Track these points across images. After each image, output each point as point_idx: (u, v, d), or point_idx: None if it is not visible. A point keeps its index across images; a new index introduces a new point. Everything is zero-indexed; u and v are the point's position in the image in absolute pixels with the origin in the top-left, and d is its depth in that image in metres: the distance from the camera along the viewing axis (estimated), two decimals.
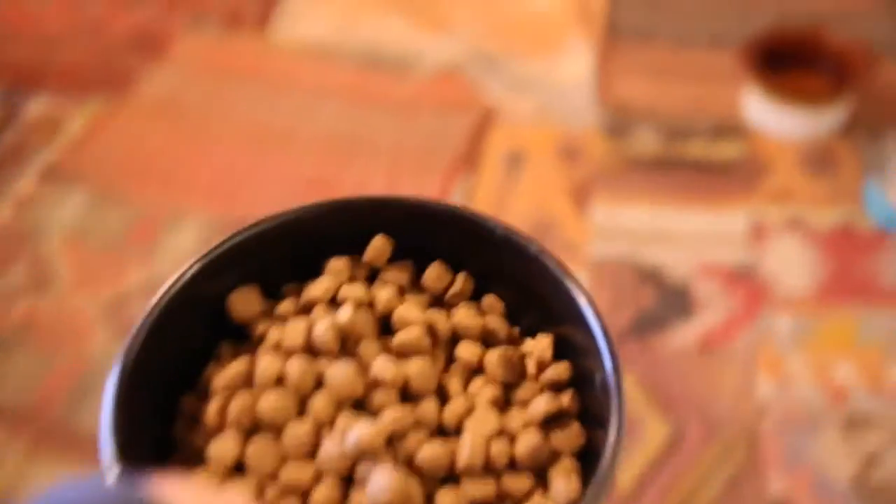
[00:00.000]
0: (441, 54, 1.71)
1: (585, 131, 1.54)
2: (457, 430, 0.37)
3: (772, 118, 1.49)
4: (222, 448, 0.34)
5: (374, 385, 0.35)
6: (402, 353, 0.37)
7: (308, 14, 1.81)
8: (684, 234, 1.36)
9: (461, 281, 0.42)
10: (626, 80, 1.64)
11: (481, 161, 1.51)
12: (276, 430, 0.34)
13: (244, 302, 0.38)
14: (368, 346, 0.37)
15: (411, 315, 0.39)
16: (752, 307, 1.25)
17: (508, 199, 1.45)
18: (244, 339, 0.40)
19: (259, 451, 0.33)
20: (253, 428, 0.35)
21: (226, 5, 1.84)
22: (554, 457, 0.36)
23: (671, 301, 1.26)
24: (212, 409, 0.35)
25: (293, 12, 1.82)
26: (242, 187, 1.44)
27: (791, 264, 1.32)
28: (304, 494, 0.33)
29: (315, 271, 0.41)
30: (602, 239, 1.36)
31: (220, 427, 0.35)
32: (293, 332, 0.36)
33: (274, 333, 0.38)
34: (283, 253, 0.40)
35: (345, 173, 1.47)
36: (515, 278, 0.41)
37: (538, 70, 1.67)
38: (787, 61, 1.55)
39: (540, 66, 1.68)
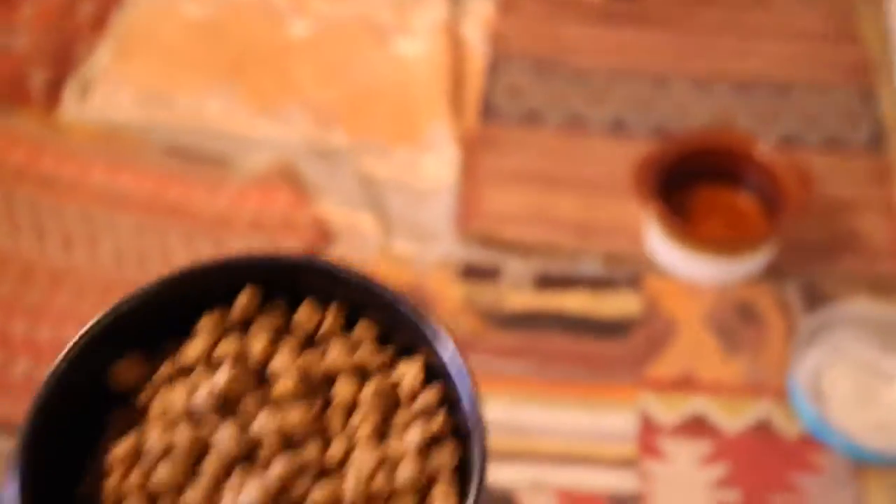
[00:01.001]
0: (268, 146, 1.33)
1: (438, 273, 1.19)
2: (341, 468, 0.39)
3: (677, 259, 1.15)
4: None
5: (258, 441, 0.38)
6: (281, 404, 0.40)
7: (109, 85, 1.42)
8: (549, 443, 1.03)
9: (331, 316, 0.44)
10: (498, 189, 1.28)
11: None
12: (173, 498, 0.37)
13: (125, 373, 0.41)
14: (248, 403, 0.40)
15: (284, 366, 0.41)
16: None
17: None
18: (131, 406, 0.41)
19: None
20: (152, 500, 0.37)
21: (4, 73, 1.44)
22: (433, 479, 0.39)
23: None
24: (109, 487, 0.37)
25: (91, 81, 1.42)
26: None
27: (687, 494, 0.99)
28: None
29: (193, 327, 0.42)
30: None
31: (120, 499, 0.37)
32: (175, 400, 0.39)
33: (157, 402, 0.40)
34: (161, 317, 0.42)
35: None
36: (380, 310, 0.43)
37: (389, 169, 1.31)
38: (700, 175, 1.20)
39: (391, 163, 1.31)
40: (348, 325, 0.44)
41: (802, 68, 1.40)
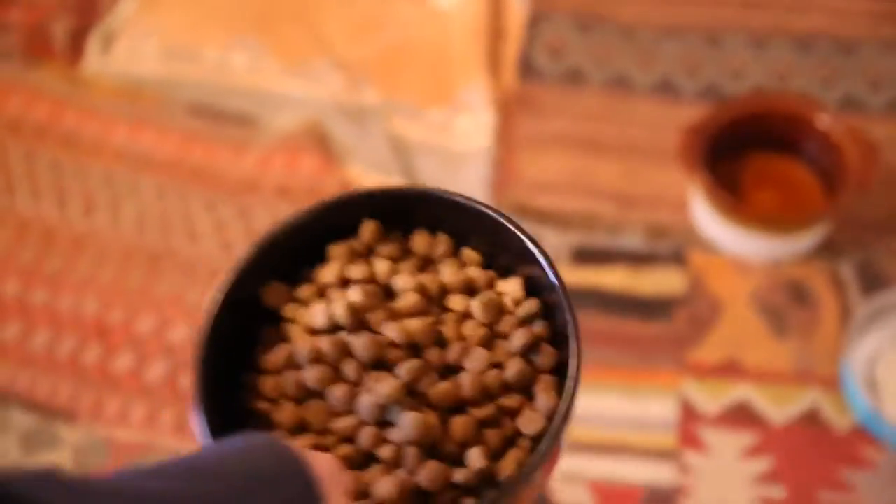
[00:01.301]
0: (296, 105, 1.27)
1: None
2: (458, 369, 0.45)
3: (724, 234, 1.08)
4: (284, 415, 0.44)
5: (387, 346, 0.45)
6: (405, 316, 0.46)
7: (133, 37, 1.36)
8: (585, 431, 0.97)
9: (442, 241, 0.50)
10: (535, 153, 1.21)
11: None
12: (320, 395, 0.45)
13: (273, 294, 0.49)
14: (377, 315, 0.46)
15: (406, 283, 0.47)
16: None
17: None
18: (279, 320, 0.49)
19: (313, 413, 0.44)
20: (303, 397, 0.45)
21: (27, 24, 1.39)
22: (535, 376, 0.45)
23: None
24: (268, 386, 0.46)
25: (115, 33, 1.37)
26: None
27: (729, 489, 0.94)
28: (352, 440, 0.44)
29: (324, 256, 0.50)
30: None
31: (277, 398, 0.45)
32: (317, 315, 0.47)
33: (301, 317, 0.48)
34: (296, 248, 0.49)
35: (152, 292, 1.08)
36: (485, 235, 0.49)
37: (421, 131, 1.24)
38: (753, 142, 1.12)
39: (424, 124, 1.25)
40: (456, 248, 0.51)
41: (868, 24, 1.29)
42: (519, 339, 0.46)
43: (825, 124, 1.07)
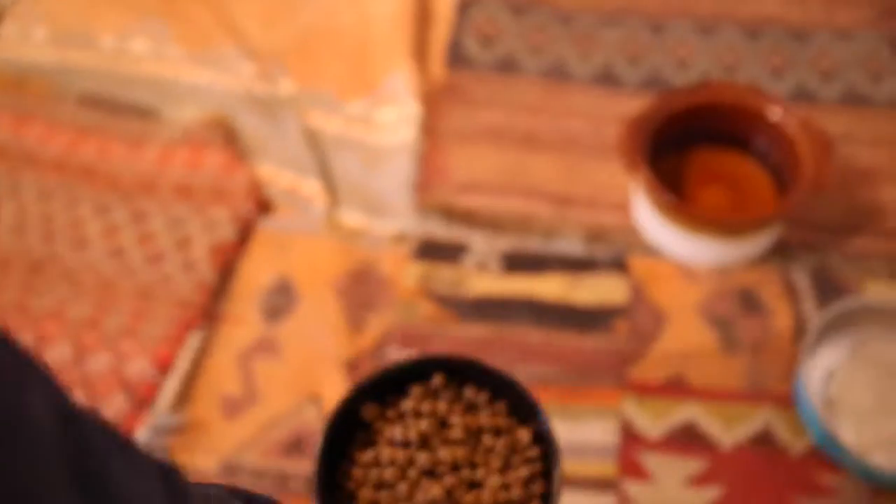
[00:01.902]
0: (201, 95, 1.16)
1: (392, 250, 1.02)
2: (481, 485, 0.67)
3: (668, 237, 0.98)
4: (365, 495, 0.66)
5: (439, 462, 0.67)
6: (453, 443, 0.68)
7: (20, 21, 1.23)
8: None
9: (483, 394, 0.72)
10: (465, 150, 1.11)
11: (228, 298, 0.99)
12: (392, 486, 0.67)
13: (368, 411, 0.70)
14: (434, 440, 0.68)
15: (456, 420, 0.69)
16: None
17: (255, 378, 0.94)
18: (370, 429, 0.70)
19: (384, 498, 0.66)
20: (379, 486, 0.67)
21: None
22: (531, 497, 0.67)
23: None
24: (358, 472, 0.68)
25: (0, 15, 1.23)
26: None
27: None
28: None
29: (406, 390, 0.71)
30: None
31: (362, 484, 0.67)
32: (397, 432, 0.68)
33: (386, 432, 0.69)
34: (383, 385, 0.71)
35: (29, 306, 0.95)
36: (511, 393, 0.71)
37: (339, 125, 1.13)
38: (699, 136, 1.03)
39: (343, 118, 1.14)
40: (492, 400, 0.71)
41: (821, 10, 1.21)
42: (523, 471, 0.67)
43: (776, 117, 0.99)
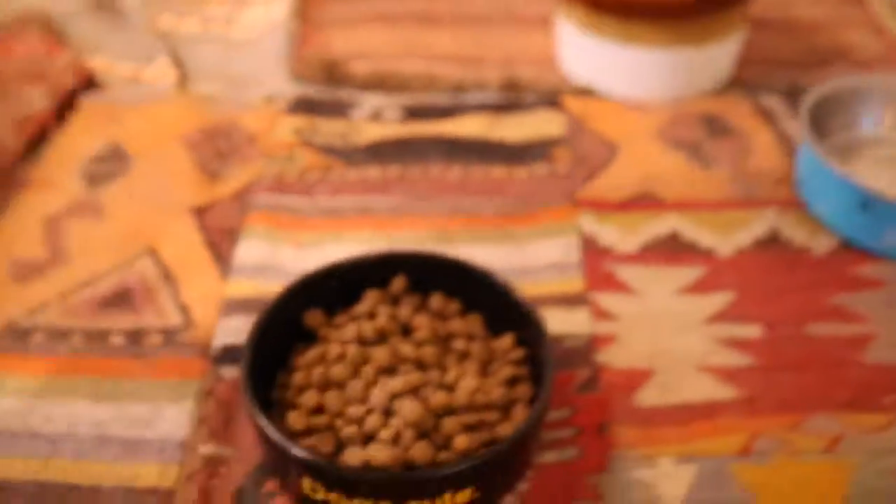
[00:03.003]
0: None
1: (255, 110, 0.80)
2: (453, 388, 0.52)
3: (607, 65, 0.79)
4: (308, 398, 0.51)
5: (401, 360, 0.53)
6: (418, 344, 0.54)
7: None
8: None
9: (454, 303, 0.58)
10: (347, 30, 0.92)
11: (37, 166, 0.74)
12: (340, 387, 0.52)
13: (313, 317, 0.56)
14: (395, 340, 0.54)
15: (422, 324, 0.55)
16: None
17: (64, 240, 0.68)
18: (312, 340, 0.56)
19: (332, 398, 0.50)
20: (325, 386, 0.52)
21: None
22: (515, 402, 0.52)
23: None
24: (298, 376, 0.53)
25: None
26: None
27: (672, 333, 0.60)
28: (360, 422, 0.49)
29: (355, 300, 0.58)
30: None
31: (304, 387, 0.52)
32: (348, 331, 0.54)
33: (334, 334, 0.55)
34: (334, 287, 0.57)
35: None
36: (490, 304, 0.57)
37: (194, 25, 0.93)
38: None
39: (198, 19, 0.94)
40: (464, 312, 0.59)
41: None
42: (504, 373, 0.53)
43: None
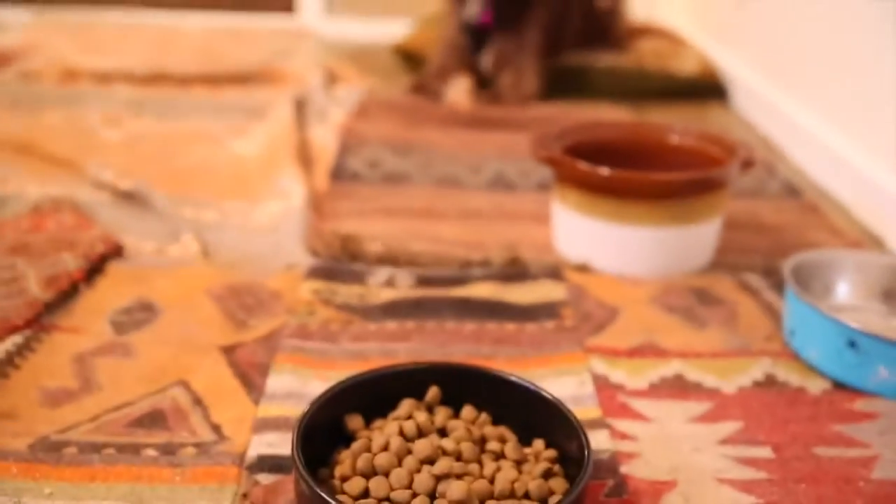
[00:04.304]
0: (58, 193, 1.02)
1: (277, 274, 0.86)
2: (492, 481, 0.54)
3: (600, 245, 0.88)
4: (353, 485, 0.53)
5: (442, 453, 0.55)
6: (457, 441, 0.56)
7: None
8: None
9: (484, 414, 0.61)
10: (359, 221, 1.00)
11: (68, 314, 0.78)
12: (385, 474, 0.53)
13: (353, 420, 0.59)
14: (434, 437, 0.57)
15: (458, 425, 0.58)
16: None
17: (94, 373, 0.70)
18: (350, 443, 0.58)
19: (377, 483, 0.52)
20: (370, 474, 0.54)
21: None
22: (550, 493, 0.54)
23: None
24: (344, 466, 0.54)
25: None
26: None
27: (689, 452, 0.63)
28: None
29: (390, 410, 0.61)
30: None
31: (348, 477, 0.54)
32: (390, 428, 0.57)
33: (375, 435, 0.57)
34: (371, 395, 0.60)
35: None
36: (519, 413, 0.60)
37: (212, 216, 1.01)
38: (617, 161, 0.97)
39: (217, 211, 1.02)
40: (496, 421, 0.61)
41: None
42: (540, 468, 0.55)
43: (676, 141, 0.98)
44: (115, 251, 0.89)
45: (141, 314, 0.78)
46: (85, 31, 1.95)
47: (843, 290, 0.82)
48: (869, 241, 1.00)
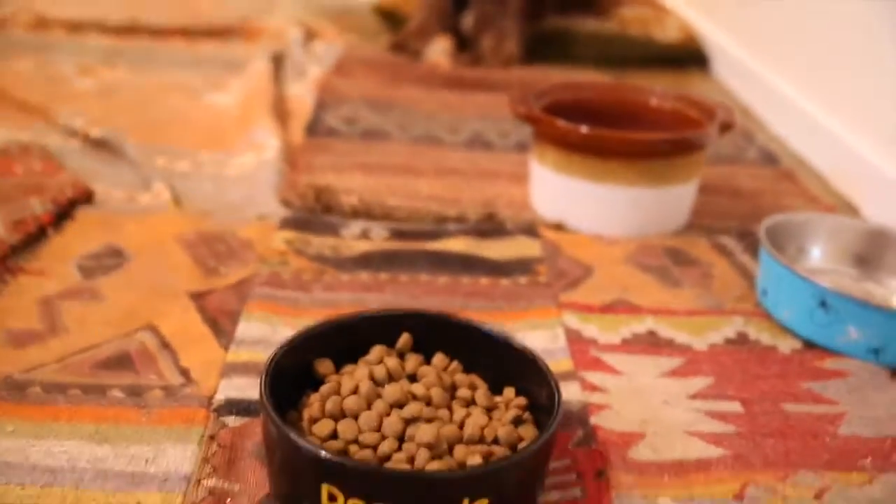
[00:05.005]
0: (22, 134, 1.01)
1: (249, 224, 0.85)
2: (462, 426, 0.54)
3: (578, 203, 0.88)
4: (321, 427, 0.53)
5: (411, 397, 0.55)
6: (427, 386, 0.56)
7: None
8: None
9: (455, 365, 0.60)
10: (333, 174, 0.99)
11: (34, 258, 0.77)
12: (354, 417, 0.53)
13: (323, 365, 0.58)
14: (404, 382, 0.57)
15: (429, 371, 0.58)
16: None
17: (61, 317, 0.69)
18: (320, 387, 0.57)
19: (346, 426, 0.52)
20: (339, 417, 0.54)
21: None
22: (521, 440, 0.53)
23: None
24: (312, 408, 0.54)
25: None
26: None
27: (659, 406, 0.63)
28: (374, 447, 0.52)
29: (361, 356, 0.60)
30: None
31: (317, 419, 0.53)
32: (360, 372, 0.57)
33: (345, 378, 0.57)
34: (342, 340, 0.59)
35: None
36: (490, 362, 0.60)
37: (186, 165, 1.00)
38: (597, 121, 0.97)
39: (190, 162, 1.01)
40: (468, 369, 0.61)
41: None
42: (510, 415, 0.55)
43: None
44: (85, 197, 0.88)
45: (109, 259, 0.77)
46: None
47: (817, 254, 0.82)
48: (844, 208, 1.00)
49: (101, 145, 1.01)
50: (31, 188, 0.87)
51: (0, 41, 1.41)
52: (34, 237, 0.80)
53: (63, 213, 0.84)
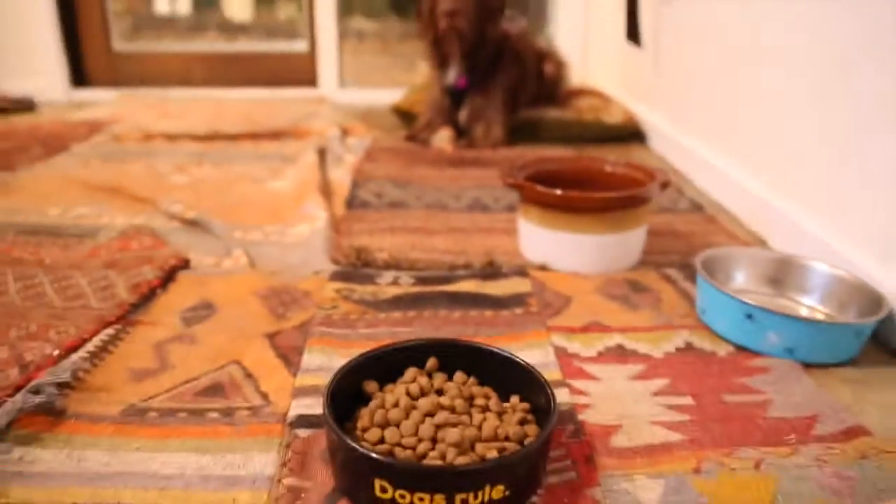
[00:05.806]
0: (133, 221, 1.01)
1: (308, 280, 0.85)
2: (479, 428, 0.53)
3: (554, 249, 0.87)
4: (371, 434, 0.52)
5: (439, 408, 0.54)
6: (451, 399, 0.56)
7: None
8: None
9: (472, 380, 0.59)
10: (367, 236, 0.99)
11: (147, 312, 0.76)
12: (396, 425, 0.53)
13: (369, 385, 0.57)
14: (433, 396, 0.56)
15: (451, 387, 0.57)
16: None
17: (169, 357, 0.69)
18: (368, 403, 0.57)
19: (391, 433, 0.52)
20: (385, 426, 0.53)
21: None
22: (527, 436, 0.53)
23: None
24: (363, 420, 0.54)
25: None
26: None
27: (630, 402, 0.62)
28: (414, 448, 0.51)
29: (398, 377, 0.60)
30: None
31: (367, 428, 0.53)
32: (399, 390, 0.56)
33: (388, 394, 0.56)
34: (383, 365, 0.59)
35: None
36: (499, 376, 0.59)
37: (257, 236, 1.00)
38: (567, 185, 0.96)
39: (260, 233, 1.01)
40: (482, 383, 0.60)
41: None
42: (517, 417, 0.55)
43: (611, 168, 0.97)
44: (184, 264, 0.88)
45: (203, 311, 0.77)
46: (159, 104, 1.93)
47: (740, 278, 0.81)
48: (756, 241, 1.00)
49: (193, 225, 1.02)
50: (144, 259, 0.87)
51: (117, 151, 1.43)
52: (147, 297, 0.79)
53: (168, 277, 0.84)
